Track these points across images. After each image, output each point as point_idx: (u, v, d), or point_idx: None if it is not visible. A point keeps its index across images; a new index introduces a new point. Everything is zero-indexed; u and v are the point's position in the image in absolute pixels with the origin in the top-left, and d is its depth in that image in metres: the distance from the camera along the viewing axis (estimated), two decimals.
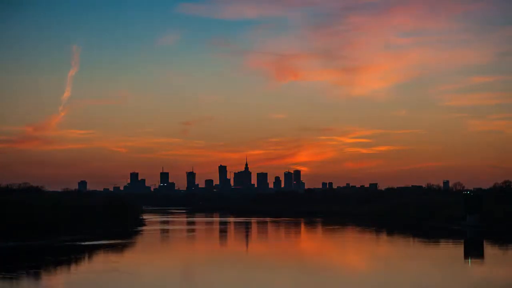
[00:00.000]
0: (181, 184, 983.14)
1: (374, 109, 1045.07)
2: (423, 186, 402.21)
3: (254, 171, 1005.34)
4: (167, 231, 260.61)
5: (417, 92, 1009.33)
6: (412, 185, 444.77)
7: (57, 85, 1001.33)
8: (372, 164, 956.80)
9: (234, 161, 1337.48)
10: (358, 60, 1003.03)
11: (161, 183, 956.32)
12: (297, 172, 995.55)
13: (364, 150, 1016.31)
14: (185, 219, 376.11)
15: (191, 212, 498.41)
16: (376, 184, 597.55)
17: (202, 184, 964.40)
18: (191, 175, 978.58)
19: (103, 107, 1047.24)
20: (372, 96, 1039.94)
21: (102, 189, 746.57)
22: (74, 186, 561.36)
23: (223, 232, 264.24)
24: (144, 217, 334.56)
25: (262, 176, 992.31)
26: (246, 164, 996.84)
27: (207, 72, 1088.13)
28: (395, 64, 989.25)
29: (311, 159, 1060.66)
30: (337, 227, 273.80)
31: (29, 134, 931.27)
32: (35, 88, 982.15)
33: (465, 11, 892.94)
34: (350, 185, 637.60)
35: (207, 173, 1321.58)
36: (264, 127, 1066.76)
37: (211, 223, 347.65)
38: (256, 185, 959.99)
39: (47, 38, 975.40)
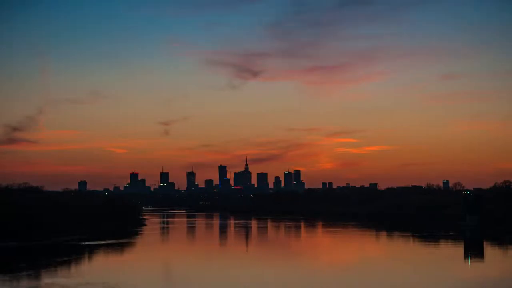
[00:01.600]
0: (181, 184, 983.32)
1: (349, 109, 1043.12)
2: (423, 186, 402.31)
3: (254, 171, 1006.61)
4: (167, 231, 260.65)
5: (391, 92, 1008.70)
6: (412, 185, 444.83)
7: (31, 87, 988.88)
8: (367, 164, 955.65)
9: (234, 161, 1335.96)
10: (325, 60, 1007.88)
11: (161, 183, 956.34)
12: (297, 172, 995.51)
13: (355, 150, 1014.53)
14: (185, 219, 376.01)
15: (191, 212, 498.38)
16: (376, 184, 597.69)
17: (202, 184, 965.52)
18: (191, 175, 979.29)
19: (82, 109, 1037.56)
20: (345, 95, 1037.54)
21: (102, 189, 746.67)
22: (74, 186, 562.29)
23: (222, 232, 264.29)
24: (144, 217, 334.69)
25: (262, 176, 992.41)
26: (246, 164, 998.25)
27: (175, 73, 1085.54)
28: (363, 64, 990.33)
29: (305, 160, 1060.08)
30: (337, 227, 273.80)
31: (13, 135, 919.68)
32: (12, 90, 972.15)
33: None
34: (350, 185, 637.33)
35: (207, 173, 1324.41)
36: (245, 127, 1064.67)
37: (210, 223, 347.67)
38: (256, 185, 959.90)
39: (18, 42, 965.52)
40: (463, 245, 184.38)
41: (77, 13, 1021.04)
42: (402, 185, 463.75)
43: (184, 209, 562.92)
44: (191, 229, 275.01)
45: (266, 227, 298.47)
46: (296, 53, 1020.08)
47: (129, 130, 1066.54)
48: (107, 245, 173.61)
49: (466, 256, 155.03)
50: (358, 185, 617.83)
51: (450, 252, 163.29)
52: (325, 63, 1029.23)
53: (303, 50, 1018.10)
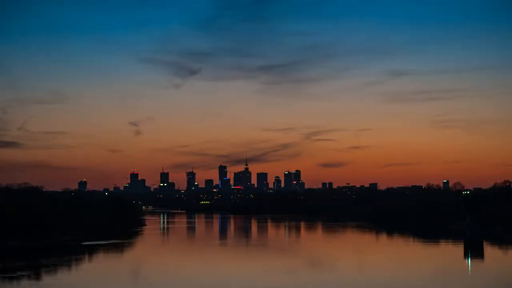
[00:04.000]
0: (181, 184, 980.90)
1: (316, 108, 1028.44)
2: (423, 186, 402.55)
3: (252, 171, 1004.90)
4: (167, 231, 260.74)
5: (352, 90, 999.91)
6: (412, 185, 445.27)
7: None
8: (362, 163, 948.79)
9: (213, 162, 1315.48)
10: (273, 58, 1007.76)
11: (161, 183, 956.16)
12: (297, 172, 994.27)
13: (341, 148, 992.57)
14: (185, 219, 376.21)
15: (191, 212, 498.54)
16: (376, 184, 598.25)
17: (202, 184, 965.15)
18: (191, 175, 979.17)
19: (45, 109, 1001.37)
20: (308, 95, 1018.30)
21: (102, 189, 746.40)
22: (74, 186, 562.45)
23: (222, 232, 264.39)
24: (144, 217, 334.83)
25: (262, 176, 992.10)
26: (246, 164, 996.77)
27: (121, 73, 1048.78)
28: (313, 62, 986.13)
29: (295, 160, 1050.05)
30: (337, 227, 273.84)
31: None
32: None
33: None
34: (350, 185, 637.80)
35: (207, 173, 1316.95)
36: (217, 128, 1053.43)
37: (210, 223, 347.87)
38: (256, 185, 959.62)
39: None
40: (463, 245, 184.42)
41: (38, 13, 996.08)
42: (402, 185, 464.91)
43: (184, 209, 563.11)
44: (190, 229, 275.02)
45: (266, 227, 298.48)
46: (240, 51, 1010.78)
47: (104, 130, 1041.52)
48: (107, 245, 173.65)
49: (466, 256, 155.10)
50: (358, 185, 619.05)
51: (450, 252, 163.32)
52: (274, 62, 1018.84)
53: (246, 48, 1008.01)
